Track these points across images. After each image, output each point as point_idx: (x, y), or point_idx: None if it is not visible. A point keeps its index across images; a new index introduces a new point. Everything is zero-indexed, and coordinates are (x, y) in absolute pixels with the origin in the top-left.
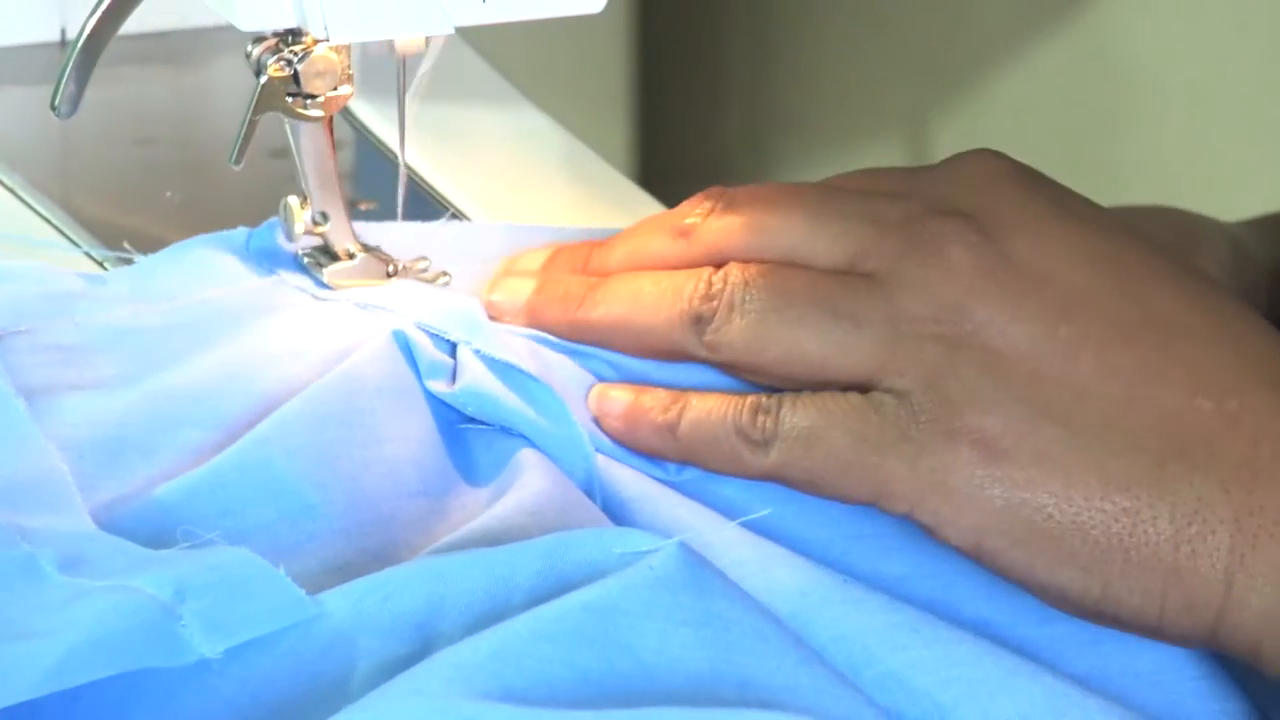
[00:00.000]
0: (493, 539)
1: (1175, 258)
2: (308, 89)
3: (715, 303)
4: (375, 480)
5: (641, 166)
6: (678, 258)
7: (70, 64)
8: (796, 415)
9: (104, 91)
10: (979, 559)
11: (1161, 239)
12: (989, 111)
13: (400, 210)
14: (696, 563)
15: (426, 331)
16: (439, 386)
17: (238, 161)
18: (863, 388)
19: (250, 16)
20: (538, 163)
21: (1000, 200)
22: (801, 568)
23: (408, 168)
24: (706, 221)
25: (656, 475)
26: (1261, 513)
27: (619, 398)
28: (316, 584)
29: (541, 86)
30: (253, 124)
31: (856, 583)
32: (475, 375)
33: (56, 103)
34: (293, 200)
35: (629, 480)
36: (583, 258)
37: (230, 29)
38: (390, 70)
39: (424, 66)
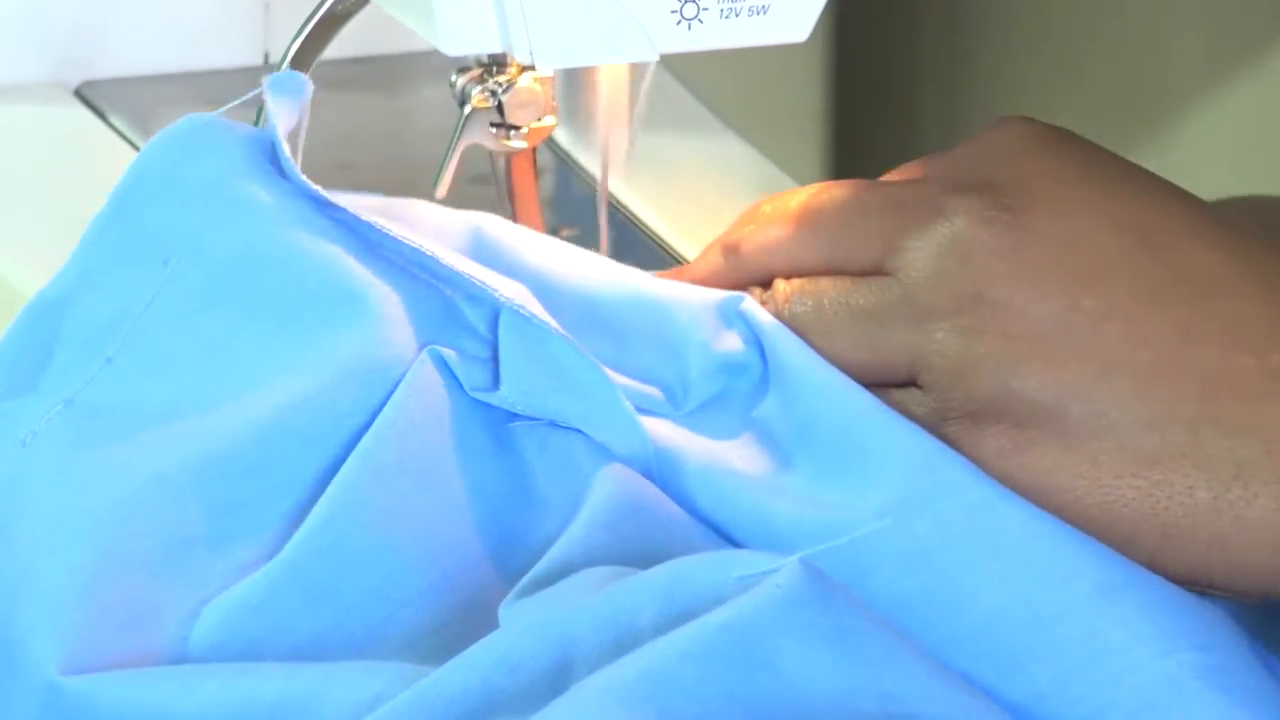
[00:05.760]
0: (578, 564)
1: (1215, 214)
2: (512, 120)
3: None
4: (446, 525)
5: None
6: (730, 278)
7: None
8: None
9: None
10: None
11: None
12: (1179, 152)
13: (603, 237)
14: (819, 578)
15: (471, 288)
16: (481, 392)
17: (442, 192)
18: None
19: (455, 42)
20: (737, 190)
21: (1021, 169)
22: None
23: (609, 195)
24: (749, 237)
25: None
26: None
27: None
28: (419, 652)
29: (738, 114)
30: (457, 154)
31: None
32: (519, 372)
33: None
34: None
35: (685, 453)
36: None
37: (435, 54)
38: (593, 99)
39: (641, 96)
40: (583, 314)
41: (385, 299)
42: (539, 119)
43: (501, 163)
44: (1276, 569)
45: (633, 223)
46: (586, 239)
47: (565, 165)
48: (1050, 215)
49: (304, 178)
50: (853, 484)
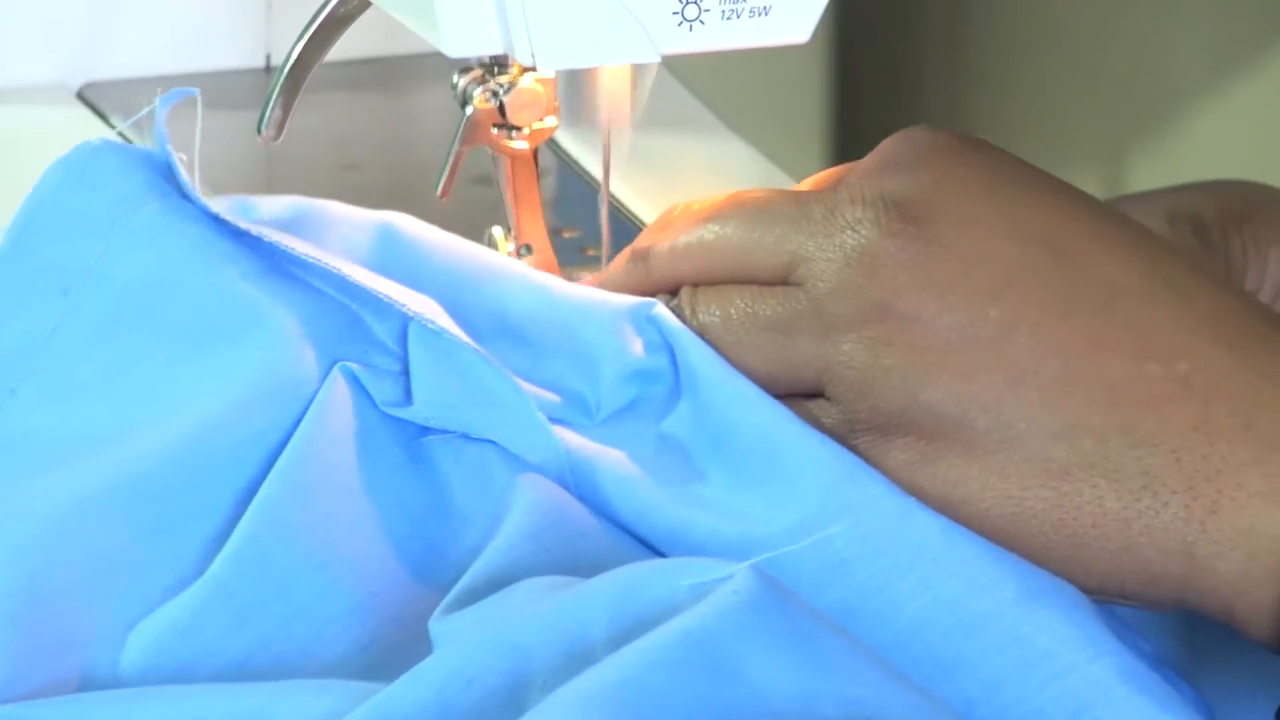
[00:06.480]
0: (503, 577)
1: (1124, 220)
2: (513, 121)
3: None
4: (369, 542)
5: None
6: (639, 285)
7: (276, 89)
8: None
9: (309, 117)
10: None
11: (1206, 212)
12: (1184, 150)
13: (605, 239)
14: (774, 583)
15: (378, 304)
16: (393, 407)
17: (443, 193)
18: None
19: (457, 43)
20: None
21: (927, 179)
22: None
23: (611, 196)
24: (657, 245)
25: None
26: (1220, 477)
27: None
28: (350, 669)
29: (739, 115)
30: (458, 155)
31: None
32: (430, 386)
33: (262, 128)
34: (497, 231)
35: (600, 463)
36: None
37: (436, 56)
38: (594, 100)
39: (642, 96)
40: (494, 322)
41: (290, 317)
42: (540, 120)
43: (503, 164)
44: (1188, 578)
45: (634, 224)
46: (588, 240)
47: (567, 166)
48: (957, 226)
49: (202, 197)
50: (770, 495)
